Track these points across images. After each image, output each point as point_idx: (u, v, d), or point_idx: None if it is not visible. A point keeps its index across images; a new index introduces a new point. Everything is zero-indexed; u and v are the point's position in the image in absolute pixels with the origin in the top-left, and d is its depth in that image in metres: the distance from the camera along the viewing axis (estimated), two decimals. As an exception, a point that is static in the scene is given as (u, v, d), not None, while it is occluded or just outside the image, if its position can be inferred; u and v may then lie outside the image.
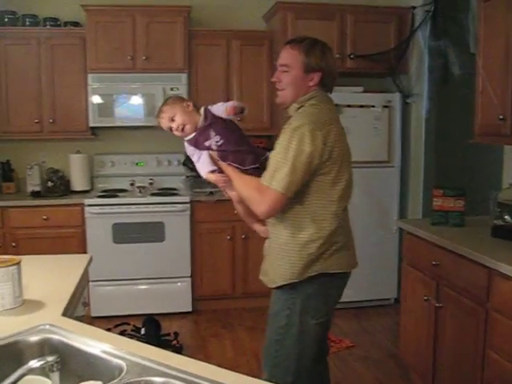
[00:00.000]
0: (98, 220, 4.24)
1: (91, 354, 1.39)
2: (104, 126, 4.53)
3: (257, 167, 2.12)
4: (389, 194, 4.55)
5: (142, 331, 3.77)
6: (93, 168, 4.75)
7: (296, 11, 4.35)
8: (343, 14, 4.41)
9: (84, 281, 2.24)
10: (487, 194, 3.06)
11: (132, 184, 4.68)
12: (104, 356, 1.37)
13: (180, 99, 2.25)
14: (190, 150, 2.22)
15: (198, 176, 4.92)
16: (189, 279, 4.42)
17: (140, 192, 4.50)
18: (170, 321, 4.23)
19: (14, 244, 4.16)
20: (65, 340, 1.46)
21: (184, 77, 4.47)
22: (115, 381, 1.23)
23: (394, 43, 4.48)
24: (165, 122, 2.20)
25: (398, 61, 4.47)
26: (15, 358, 1.42)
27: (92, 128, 4.53)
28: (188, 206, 4.35)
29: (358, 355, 3.71)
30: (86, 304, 2.35)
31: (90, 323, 1.75)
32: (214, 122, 2.15)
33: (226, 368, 1.29)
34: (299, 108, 2.08)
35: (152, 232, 4.31)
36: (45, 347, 1.46)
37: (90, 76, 4.39)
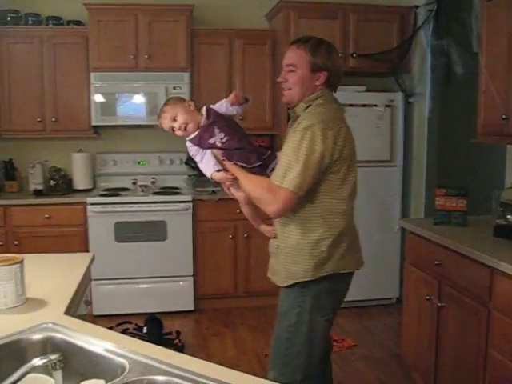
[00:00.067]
0: (100, 219, 4.25)
1: (94, 353, 1.39)
2: (106, 124, 4.53)
3: (261, 165, 2.12)
4: (391, 194, 4.54)
5: (144, 330, 3.77)
6: (95, 167, 4.75)
7: (299, 10, 4.35)
8: (346, 12, 4.40)
9: (86, 279, 2.24)
10: (490, 193, 3.06)
11: (134, 183, 4.68)
12: (106, 354, 1.37)
13: (181, 99, 2.25)
14: (192, 149, 2.21)
15: (201, 175, 4.90)
16: (191, 278, 4.42)
17: (142, 191, 4.51)
18: (172, 320, 4.24)
19: (16, 242, 4.17)
20: (67, 338, 1.46)
21: (186, 76, 4.47)
22: (118, 379, 1.24)
23: (397, 42, 4.47)
24: (167, 123, 2.19)
25: (400, 60, 4.47)
26: (18, 357, 1.42)
27: (94, 127, 4.53)
28: (190, 204, 4.35)
29: (359, 355, 3.71)
30: (89, 302, 2.35)
31: (92, 322, 1.75)
32: (217, 119, 2.15)
33: (227, 367, 1.30)
34: (307, 107, 2.09)
35: (154, 231, 4.32)
36: (47, 345, 1.47)
37: (92, 75, 4.39)
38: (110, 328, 3.39)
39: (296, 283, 2.11)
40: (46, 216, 4.21)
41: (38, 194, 4.41)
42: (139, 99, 4.47)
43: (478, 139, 3.08)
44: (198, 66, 4.55)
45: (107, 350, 1.38)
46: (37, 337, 1.48)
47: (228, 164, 2.11)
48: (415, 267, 3.15)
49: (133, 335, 3.60)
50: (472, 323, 2.55)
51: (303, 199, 2.02)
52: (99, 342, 1.41)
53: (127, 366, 1.28)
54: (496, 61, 2.88)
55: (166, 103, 2.24)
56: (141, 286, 4.35)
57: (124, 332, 3.64)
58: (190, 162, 4.67)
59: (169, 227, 4.33)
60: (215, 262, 4.46)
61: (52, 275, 2.11)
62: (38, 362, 1.25)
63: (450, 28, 4.18)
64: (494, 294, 2.38)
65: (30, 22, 4.44)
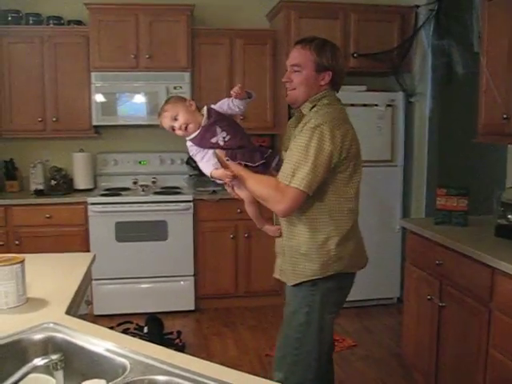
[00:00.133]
0: (101, 218, 4.25)
1: (95, 353, 1.39)
2: (107, 124, 4.53)
3: (264, 163, 2.12)
4: (392, 193, 4.54)
5: (145, 330, 3.77)
6: (96, 166, 4.75)
7: (299, 10, 4.35)
8: (346, 12, 4.40)
9: (87, 279, 2.25)
10: (490, 193, 3.06)
11: (135, 183, 4.69)
12: (108, 354, 1.37)
13: (182, 98, 2.24)
14: (192, 149, 2.20)
15: (201, 175, 4.89)
16: (191, 278, 4.42)
17: (143, 191, 4.51)
18: (173, 319, 4.24)
19: (17, 242, 4.17)
20: (68, 338, 1.46)
21: (187, 75, 4.47)
22: (119, 379, 1.24)
23: (398, 42, 4.47)
24: (167, 122, 2.17)
25: (401, 60, 4.47)
26: (19, 356, 1.42)
27: (95, 126, 4.53)
28: (191, 204, 4.35)
29: (360, 354, 3.71)
30: (89, 302, 2.36)
31: (93, 322, 1.75)
32: (218, 119, 2.13)
33: (228, 366, 1.30)
34: (312, 107, 2.10)
35: (155, 231, 4.32)
36: (49, 345, 1.47)
37: (93, 74, 4.39)
38: (111, 328, 3.39)
39: (304, 282, 2.12)
40: (47, 216, 4.22)
41: (38, 193, 4.41)
42: (140, 99, 4.48)
43: (479, 139, 3.08)
44: (198, 65, 4.55)
45: (108, 350, 1.38)
46: (38, 337, 1.48)
47: (232, 164, 2.09)
48: (416, 267, 3.15)
49: (133, 335, 3.60)
50: (473, 323, 2.55)
51: (310, 198, 2.03)
52: (100, 342, 1.41)
53: (128, 366, 1.28)
54: (497, 61, 2.88)
55: (166, 102, 2.23)
56: (142, 285, 4.35)
57: (125, 332, 3.65)
58: (191, 162, 4.67)
59: (169, 227, 4.33)
60: (216, 261, 4.46)
61: (53, 275, 2.11)
62: (39, 362, 1.25)
63: (451, 28, 4.17)
64: (495, 293, 2.38)
65: (31, 21, 4.44)
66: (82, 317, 1.89)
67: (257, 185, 2.08)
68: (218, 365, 1.31)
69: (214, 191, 4.43)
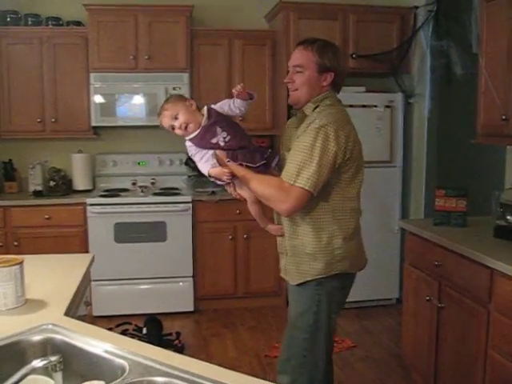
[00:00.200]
0: (100, 219, 4.25)
1: (94, 354, 1.39)
2: (106, 125, 4.53)
3: (264, 163, 2.12)
4: (391, 194, 4.54)
5: (144, 331, 3.77)
6: (95, 167, 4.75)
7: (298, 11, 4.35)
8: (345, 13, 4.40)
9: (86, 280, 2.25)
10: (489, 194, 3.06)
11: (134, 183, 4.68)
12: (106, 356, 1.37)
13: (182, 98, 2.24)
14: (192, 149, 2.20)
15: (200, 175, 4.88)
16: (191, 279, 4.42)
17: (142, 191, 4.50)
18: (172, 320, 4.24)
19: (16, 243, 4.17)
20: (67, 340, 1.46)
21: (186, 76, 4.47)
22: (118, 380, 1.23)
23: (397, 43, 4.47)
24: (167, 121, 2.16)
25: (400, 61, 4.47)
26: (18, 358, 1.42)
27: (94, 127, 4.53)
28: (190, 205, 4.35)
29: (359, 355, 3.71)
30: (88, 303, 2.35)
31: (92, 323, 1.75)
32: (218, 119, 2.13)
33: (227, 368, 1.30)
34: (315, 108, 2.12)
35: (154, 232, 4.32)
36: (47, 347, 1.47)
37: (92, 75, 4.39)
38: (110, 329, 3.39)
39: (309, 281, 2.13)
40: (46, 217, 4.21)
41: (37, 194, 4.41)
42: (139, 100, 4.48)
43: (478, 140, 3.08)
44: (197, 66, 4.55)
45: (107, 352, 1.38)
46: (37, 338, 1.48)
47: (233, 165, 2.09)
48: (415, 268, 3.15)
49: (132, 336, 3.60)
50: (472, 324, 2.56)
51: (314, 198, 2.05)
52: (99, 344, 1.41)
53: (127, 368, 1.28)
54: (496, 61, 2.88)
55: (166, 101, 2.22)
56: (141, 286, 4.35)
57: (124, 333, 3.65)
58: (190, 163, 4.67)
59: (168, 228, 4.33)
60: (215, 262, 4.46)
61: (52, 276, 2.11)
62: (38, 363, 1.25)
63: (450, 29, 4.18)
64: (494, 294, 2.38)
65: (30, 22, 4.44)
66: (81, 318, 1.89)
67: (260, 185, 2.08)
68: (217, 366, 1.31)
69: (213, 192, 4.43)
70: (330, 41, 2.21)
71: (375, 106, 4.42)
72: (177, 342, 3.77)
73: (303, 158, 1.99)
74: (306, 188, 1.98)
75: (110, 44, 4.37)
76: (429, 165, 4.47)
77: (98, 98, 4.40)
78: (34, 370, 1.25)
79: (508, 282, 2.28)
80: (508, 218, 2.69)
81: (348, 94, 4.23)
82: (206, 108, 2.17)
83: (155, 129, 4.68)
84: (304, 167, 1.98)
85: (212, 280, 4.47)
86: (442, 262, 2.80)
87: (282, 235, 2.24)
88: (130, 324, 3.96)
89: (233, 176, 2.09)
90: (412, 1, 4.47)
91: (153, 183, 4.72)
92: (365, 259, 2.29)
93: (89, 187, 4.65)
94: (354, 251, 2.16)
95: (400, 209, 4.58)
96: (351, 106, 4.22)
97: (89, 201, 4.26)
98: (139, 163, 4.82)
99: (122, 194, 4.50)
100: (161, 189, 4.69)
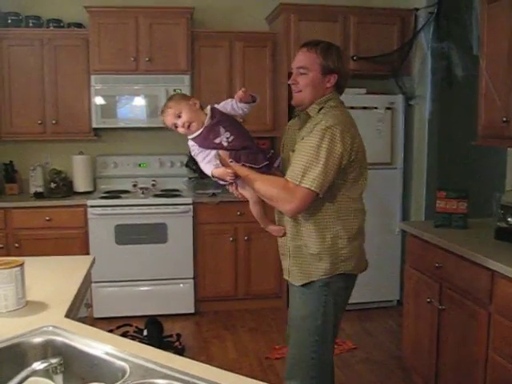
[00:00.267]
0: (101, 221, 4.25)
1: (95, 356, 1.39)
2: (107, 127, 4.53)
3: (267, 164, 2.12)
4: (391, 196, 4.54)
5: (145, 332, 3.77)
6: (95, 169, 4.76)
7: (299, 13, 4.35)
8: (346, 15, 4.40)
9: (87, 282, 2.24)
10: (490, 196, 3.06)
11: (135, 185, 4.69)
12: (107, 358, 1.37)
13: (186, 96, 2.23)
14: (194, 149, 2.17)
15: (201, 177, 4.87)
16: (191, 280, 4.42)
17: (143, 193, 4.51)
18: (173, 322, 4.23)
19: (16, 245, 4.17)
20: (68, 342, 1.46)
21: (187, 78, 4.47)
22: (118, 383, 1.23)
23: (397, 45, 4.47)
24: (170, 119, 2.14)
25: (400, 62, 4.47)
26: (18, 360, 1.42)
27: (95, 129, 4.54)
28: (191, 207, 4.35)
29: (360, 357, 3.70)
30: (89, 305, 2.35)
31: (93, 324, 1.75)
32: (222, 119, 2.12)
33: (228, 369, 1.30)
34: (320, 109, 2.12)
35: (154, 233, 4.31)
36: (48, 349, 1.47)
37: (93, 77, 4.40)
38: (110, 331, 3.39)
39: (314, 282, 2.14)
40: (47, 218, 4.22)
41: (38, 196, 4.41)
42: (140, 101, 4.48)
43: (479, 142, 3.08)
44: (198, 68, 4.55)
45: (108, 354, 1.38)
46: (37, 340, 1.48)
47: (236, 166, 2.08)
48: (416, 270, 3.14)
49: (133, 338, 3.60)
50: (473, 326, 2.55)
51: (318, 198, 2.05)
52: (100, 346, 1.41)
53: (128, 370, 1.28)
54: (496, 63, 2.88)
55: (170, 99, 2.20)
56: (141, 288, 4.35)
57: (124, 335, 3.64)
58: (191, 165, 4.68)
59: (169, 230, 4.33)
60: (216, 264, 4.45)
61: (52, 278, 2.11)
62: (38, 365, 1.25)
63: (451, 30, 4.18)
64: (495, 296, 2.38)
65: (31, 24, 4.45)
66: (82, 320, 1.89)
67: (265, 185, 2.08)
68: (218, 368, 1.31)
69: (214, 194, 4.43)
70: (333, 43, 2.22)
71: (376, 108, 4.42)
72: (177, 343, 3.77)
73: (309, 158, 1.99)
74: (312, 188, 1.98)
75: (111, 46, 4.37)
76: (429, 166, 4.47)
77: (98, 100, 4.41)
78: (35, 373, 1.24)
79: (509, 284, 2.27)
80: (509, 219, 2.69)
81: (349, 96, 4.18)
82: (209, 107, 2.16)
83: (156, 130, 4.71)
84: (310, 168, 1.99)
85: (213, 282, 4.47)
86: (443, 263, 2.80)
87: (283, 236, 2.24)
88: (131, 326, 3.96)
89: (236, 176, 2.09)
90: (412, 2, 4.48)
91: (153, 185, 4.72)
92: (366, 261, 2.29)
93: (89, 189, 4.65)
94: (358, 251, 2.17)
95: (401, 211, 4.58)
96: (352, 107, 4.20)
97: (89, 202, 4.26)
98: (140, 165, 4.82)
99: (122, 195, 4.50)
100: (161, 190, 4.69)
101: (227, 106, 2.18)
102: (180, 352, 3.61)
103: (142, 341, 3.52)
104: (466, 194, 3.01)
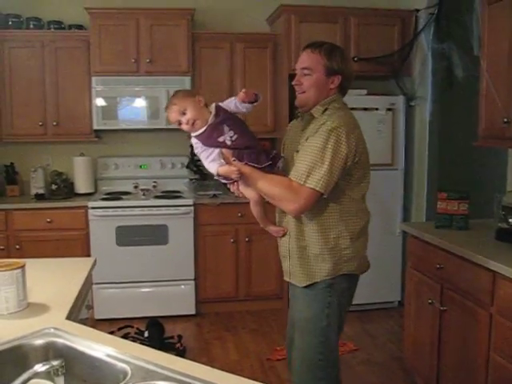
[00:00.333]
0: (102, 222, 4.25)
1: (96, 358, 1.39)
2: (108, 128, 4.54)
3: (270, 164, 2.11)
4: (392, 197, 4.54)
5: (146, 334, 3.77)
6: (96, 171, 4.76)
7: (300, 14, 4.35)
8: (347, 16, 4.41)
9: (88, 284, 2.24)
10: (491, 197, 3.05)
11: (136, 187, 4.68)
12: (108, 360, 1.37)
13: (192, 93, 2.21)
14: (198, 147, 2.15)
15: (202, 178, 4.87)
16: (192, 282, 4.42)
17: (144, 195, 4.51)
18: (174, 324, 4.23)
19: (17, 247, 4.17)
20: (69, 344, 1.46)
21: (188, 79, 4.47)
22: (120, 385, 1.24)
23: (398, 46, 4.48)
24: (175, 116, 2.12)
25: (401, 63, 4.47)
26: (20, 362, 1.42)
27: (96, 131, 4.54)
28: (191, 208, 4.35)
29: (361, 358, 3.70)
30: (90, 307, 2.35)
31: (94, 326, 1.75)
32: (226, 117, 2.11)
33: (229, 371, 1.30)
34: (324, 110, 2.12)
35: (155, 235, 4.32)
36: (49, 351, 1.46)
37: (93, 79, 4.40)
38: (112, 332, 3.40)
39: (317, 283, 2.13)
40: (48, 220, 4.22)
41: (39, 198, 4.42)
42: (140, 103, 4.48)
43: (480, 143, 3.08)
44: (199, 69, 4.55)
45: (109, 356, 1.38)
46: (39, 342, 1.48)
47: (239, 165, 2.07)
48: (417, 271, 3.14)
49: (134, 339, 3.60)
50: (474, 327, 2.55)
51: (322, 199, 2.05)
52: (101, 347, 1.41)
53: (129, 372, 1.28)
54: (497, 64, 2.88)
55: (175, 95, 2.16)
56: (142, 289, 4.35)
57: (125, 336, 3.65)
58: (192, 166, 4.68)
59: (170, 231, 4.33)
60: (217, 265, 4.45)
61: (53, 280, 2.11)
62: (40, 367, 1.25)
63: (451, 31, 4.18)
64: (496, 297, 2.38)
65: (32, 26, 4.45)
66: (83, 321, 1.90)
67: (268, 184, 2.08)
68: (219, 370, 1.31)
69: (215, 195, 4.43)
70: (337, 44, 2.23)
71: (377, 109, 4.42)
72: (178, 345, 3.77)
73: (314, 158, 2.00)
74: (317, 189, 1.99)
75: (112, 47, 4.38)
76: (430, 167, 4.47)
77: (99, 102, 4.41)
78: (36, 375, 1.24)
79: (510, 285, 2.27)
80: (510, 220, 2.69)
81: (349, 97, 4.18)
82: (214, 105, 2.14)
83: (157, 132, 4.71)
84: (315, 168, 1.99)
85: (214, 283, 4.47)
86: (444, 264, 2.80)
87: (283, 236, 2.24)
88: (132, 327, 3.96)
89: (241, 174, 2.08)
90: (413, 3, 4.48)
91: (154, 186, 4.71)
92: (368, 262, 2.29)
93: (90, 190, 4.66)
94: (361, 251, 2.18)
95: (402, 211, 4.57)
96: (353, 108, 4.14)
97: (90, 204, 4.26)
98: (141, 166, 4.83)
99: (123, 197, 4.50)
100: (162, 192, 4.69)
101: (231, 104, 2.16)
102: (181, 353, 3.61)
103: (143, 342, 3.52)
104: (466, 194, 3.01)
